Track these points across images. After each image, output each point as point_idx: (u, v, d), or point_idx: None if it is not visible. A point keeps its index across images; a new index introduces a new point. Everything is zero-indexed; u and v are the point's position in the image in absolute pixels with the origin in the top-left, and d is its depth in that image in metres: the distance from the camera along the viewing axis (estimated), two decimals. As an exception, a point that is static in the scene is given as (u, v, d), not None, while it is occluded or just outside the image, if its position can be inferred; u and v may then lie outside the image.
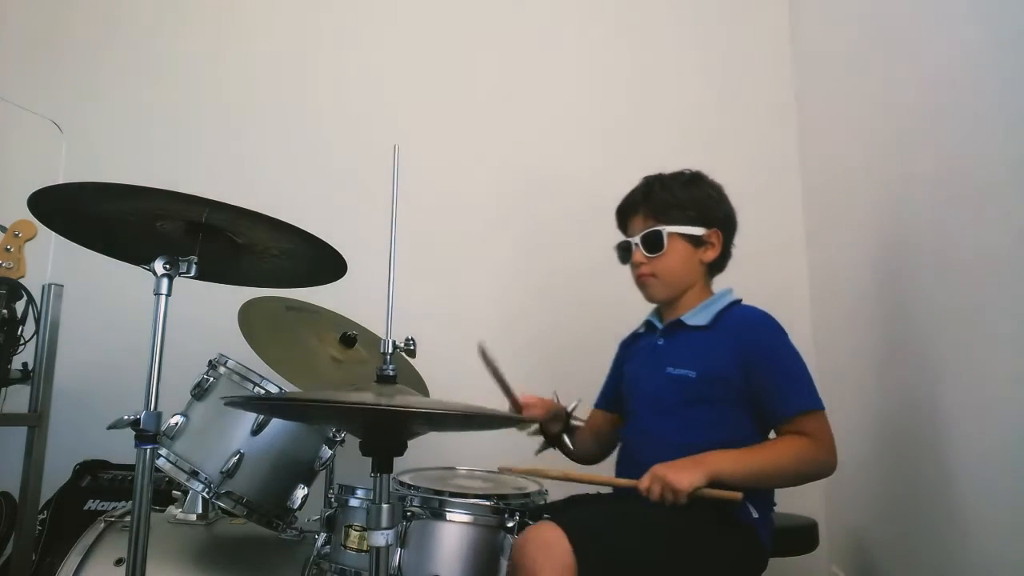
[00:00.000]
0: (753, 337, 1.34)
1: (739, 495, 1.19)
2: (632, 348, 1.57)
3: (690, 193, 1.45)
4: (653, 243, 1.42)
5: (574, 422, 1.56)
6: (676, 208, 1.43)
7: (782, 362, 1.32)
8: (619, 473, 1.42)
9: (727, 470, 1.22)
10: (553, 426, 1.52)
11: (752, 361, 1.32)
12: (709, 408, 1.33)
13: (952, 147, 1.28)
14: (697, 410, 1.34)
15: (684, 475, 1.19)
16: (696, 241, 1.43)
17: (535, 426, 1.53)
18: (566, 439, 1.54)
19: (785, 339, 1.35)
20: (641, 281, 1.46)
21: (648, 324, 1.54)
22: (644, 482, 1.23)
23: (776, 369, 1.32)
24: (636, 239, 1.44)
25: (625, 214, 1.50)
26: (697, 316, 1.41)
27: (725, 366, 1.33)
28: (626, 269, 1.49)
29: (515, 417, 1.41)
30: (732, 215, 1.48)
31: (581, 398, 1.58)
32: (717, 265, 1.47)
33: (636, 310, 1.55)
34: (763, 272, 2.06)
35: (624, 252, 1.49)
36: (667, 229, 1.41)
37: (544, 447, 1.56)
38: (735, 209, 1.48)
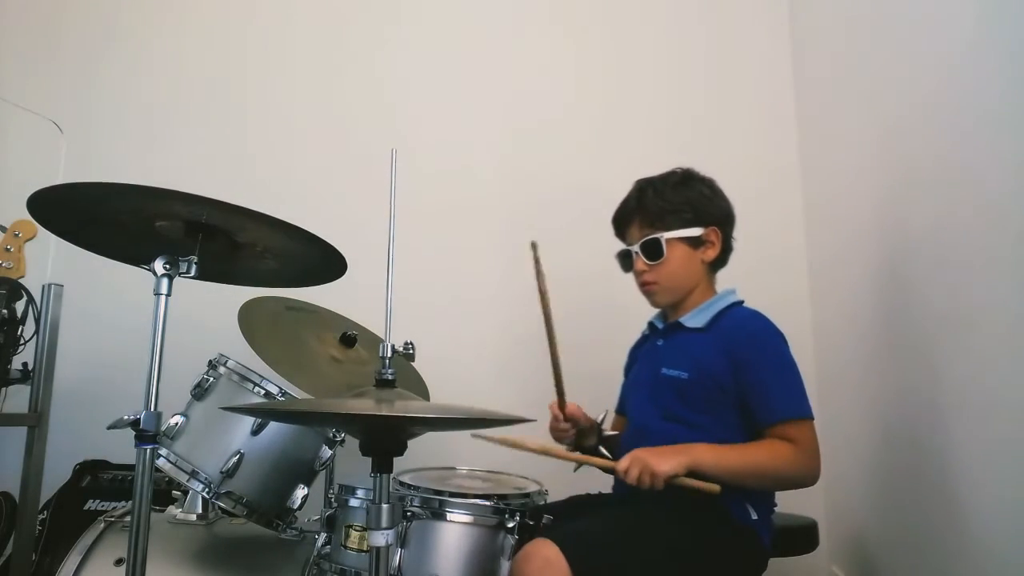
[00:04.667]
0: (744, 340, 1.34)
1: (717, 488, 1.20)
2: (639, 352, 1.59)
3: (683, 194, 1.44)
4: (652, 251, 1.42)
5: (606, 433, 1.51)
6: (671, 213, 1.42)
7: (771, 366, 1.31)
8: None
9: (707, 463, 1.23)
10: (587, 440, 1.50)
11: (741, 364, 1.31)
12: (701, 410, 1.33)
13: (952, 147, 1.28)
14: (689, 411, 1.34)
15: (664, 460, 1.21)
16: (695, 242, 1.43)
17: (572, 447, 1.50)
18: (603, 451, 1.49)
19: (778, 343, 1.34)
20: (645, 289, 1.47)
21: (651, 326, 1.55)
22: (624, 463, 1.24)
23: (764, 373, 1.31)
24: (635, 248, 1.44)
25: (621, 223, 1.50)
26: (695, 318, 1.41)
27: (717, 368, 1.33)
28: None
29: (513, 418, 1.39)
30: (728, 209, 1.47)
31: (608, 408, 1.54)
32: (720, 261, 1.46)
33: (642, 312, 1.56)
34: (763, 273, 2.06)
35: (625, 261, 1.49)
36: (665, 235, 1.41)
37: (580, 464, 1.52)
38: (731, 202, 1.47)
